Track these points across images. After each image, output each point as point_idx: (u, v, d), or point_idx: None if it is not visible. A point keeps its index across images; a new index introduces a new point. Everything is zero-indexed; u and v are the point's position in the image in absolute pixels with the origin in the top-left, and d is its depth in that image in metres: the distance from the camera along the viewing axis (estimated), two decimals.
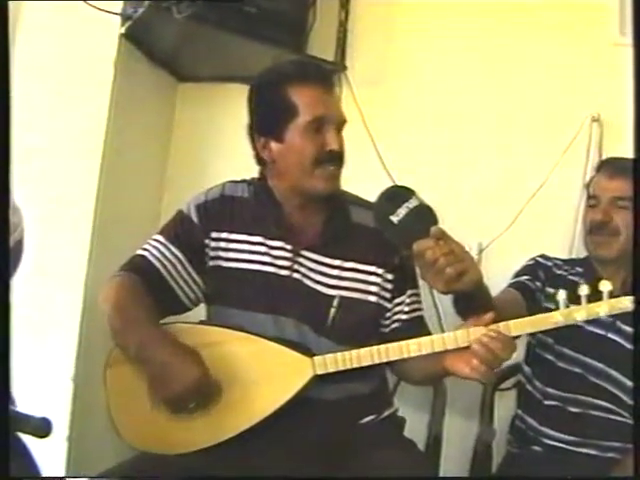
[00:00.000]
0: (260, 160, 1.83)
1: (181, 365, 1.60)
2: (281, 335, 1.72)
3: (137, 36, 2.47)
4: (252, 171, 2.51)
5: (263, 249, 1.78)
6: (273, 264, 1.77)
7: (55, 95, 2.43)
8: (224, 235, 1.80)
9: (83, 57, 2.43)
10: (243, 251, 1.79)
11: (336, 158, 1.75)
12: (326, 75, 1.83)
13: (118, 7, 2.38)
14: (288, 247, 1.78)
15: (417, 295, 1.86)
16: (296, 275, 1.77)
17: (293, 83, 1.74)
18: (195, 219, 1.82)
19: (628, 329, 2.00)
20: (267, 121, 1.78)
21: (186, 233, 1.81)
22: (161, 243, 1.81)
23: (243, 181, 1.89)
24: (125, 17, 2.39)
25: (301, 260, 1.78)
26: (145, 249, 1.82)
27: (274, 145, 1.76)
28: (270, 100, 1.76)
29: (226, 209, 1.82)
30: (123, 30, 2.41)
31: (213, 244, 1.80)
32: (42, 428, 1.29)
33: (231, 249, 1.80)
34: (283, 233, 1.79)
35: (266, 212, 1.81)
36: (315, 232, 1.80)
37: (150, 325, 1.67)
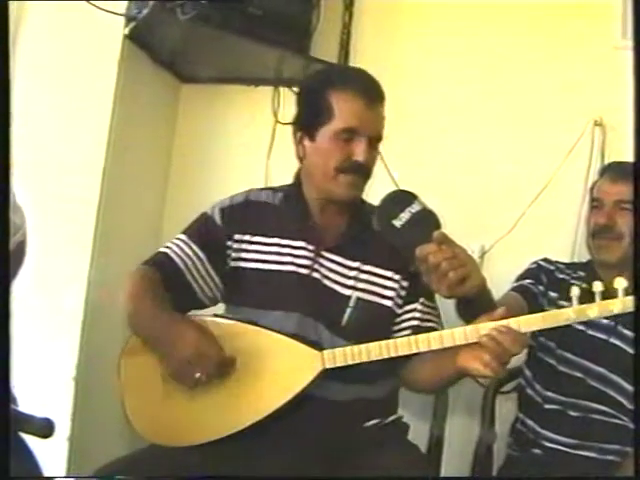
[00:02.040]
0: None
1: (180, 333, 1.63)
2: (297, 332, 1.73)
3: (141, 37, 2.48)
4: (254, 170, 2.53)
5: (285, 250, 1.81)
6: (294, 263, 1.80)
7: (58, 95, 2.44)
8: (246, 237, 1.83)
9: (87, 57, 2.43)
10: (264, 252, 1.82)
11: (361, 169, 1.76)
12: (374, 90, 1.79)
13: (122, 8, 2.39)
14: (310, 247, 1.80)
15: (432, 307, 1.85)
16: (315, 274, 1.79)
17: (337, 88, 1.75)
18: (218, 221, 1.85)
19: (630, 334, 2.00)
20: (305, 118, 1.81)
21: (209, 234, 1.85)
22: (184, 242, 1.84)
23: (268, 188, 1.93)
24: (129, 18, 2.39)
25: (321, 261, 1.80)
26: (168, 247, 1.85)
27: (307, 143, 1.79)
28: (312, 99, 1.79)
29: (250, 213, 1.86)
30: (127, 31, 2.42)
31: (235, 246, 1.83)
32: (44, 428, 1.29)
33: (253, 250, 1.82)
34: (306, 234, 1.81)
35: (293, 214, 1.83)
36: (337, 234, 1.82)
37: (162, 310, 1.70)
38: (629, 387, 2.00)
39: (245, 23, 2.41)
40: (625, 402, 2.01)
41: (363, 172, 1.77)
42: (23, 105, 2.20)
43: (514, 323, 1.58)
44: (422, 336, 1.64)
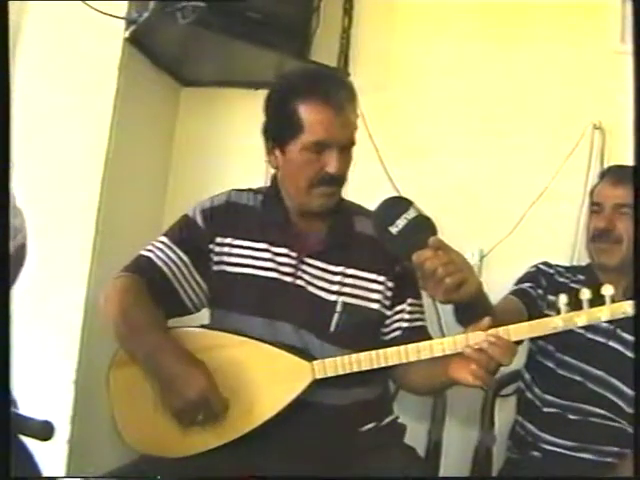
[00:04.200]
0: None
1: (188, 376, 1.60)
2: (284, 341, 1.72)
3: (141, 40, 2.48)
4: (254, 174, 2.53)
5: (267, 255, 1.79)
6: (277, 270, 1.78)
7: (59, 98, 2.44)
8: (228, 240, 1.81)
9: (87, 61, 2.43)
10: (247, 257, 1.79)
11: (334, 180, 1.74)
12: (343, 94, 1.74)
13: (123, 11, 2.39)
14: (292, 254, 1.79)
15: (419, 305, 1.86)
16: (299, 282, 1.77)
17: (305, 99, 1.70)
18: (200, 223, 1.82)
19: (629, 337, 2.00)
20: (275, 129, 1.77)
21: (191, 236, 1.82)
22: (166, 245, 1.81)
23: (249, 190, 1.89)
24: (129, 21, 2.39)
25: (304, 267, 1.78)
26: (150, 250, 1.82)
27: (278, 154, 1.77)
28: (281, 110, 1.75)
29: (231, 215, 1.83)
30: (127, 34, 2.42)
31: (217, 249, 1.81)
32: (44, 431, 1.30)
33: (235, 254, 1.80)
34: (288, 240, 1.79)
35: (273, 219, 1.82)
36: (319, 239, 1.81)
37: (157, 332, 1.67)
38: (628, 390, 2.00)
39: (245, 27, 2.41)
40: (624, 405, 2.01)
41: (336, 182, 1.75)
42: (24, 108, 2.21)
43: (503, 332, 1.58)
44: (412, 346, 1.63)
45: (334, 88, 1.74)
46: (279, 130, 1.75)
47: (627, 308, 1.53)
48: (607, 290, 1.54)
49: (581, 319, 1.56)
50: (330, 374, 1.66)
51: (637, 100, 1.34)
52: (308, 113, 1.70)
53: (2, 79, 1.22)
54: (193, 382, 1.59)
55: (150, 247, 1.83)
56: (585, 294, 1.55)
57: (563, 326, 1.58)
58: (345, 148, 1.74)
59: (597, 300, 1.56)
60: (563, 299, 1.57)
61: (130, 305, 1.72)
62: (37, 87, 2.38)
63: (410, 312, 1.83)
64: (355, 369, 1.66)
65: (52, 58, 2.46)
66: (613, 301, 1.55)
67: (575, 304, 1.57)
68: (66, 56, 2.44)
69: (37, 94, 2.37)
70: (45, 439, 1.30)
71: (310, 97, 1.70)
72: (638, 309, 1.45)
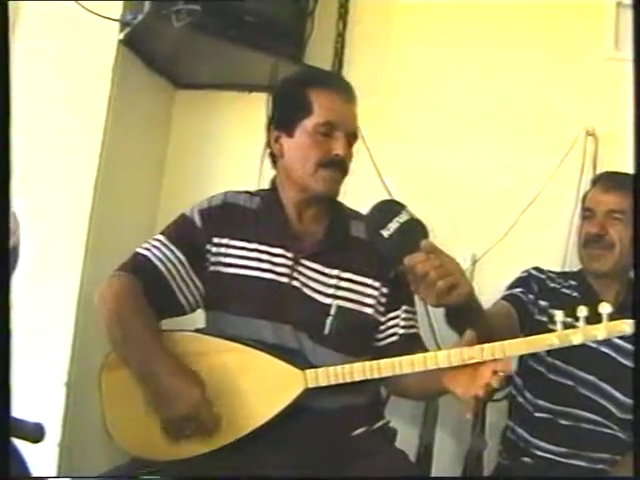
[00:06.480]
0: (273, 157, 1.87)
1: (181, 389, 1.59)
2: (279, 342, 1.73)
3: (135, 43, 2.47)
4: (249, 176, 2.53)
5: (264, 256, 1.79)
6: (273, 271, 1.78)
7: (52, 100, 2.43)
8: (225, 241, 1.81)
9: (81, 63, 2.42)
10: (243, 257, 1.80)
11: (340, 164, 1.78)
12: (350, 88, 1.84)
13: (117, 13, 2.39)
14: (289, 255, 1.79)
15: (413, 313, 1.86)
16: (295, 283, 1.78)
17: (316, 86, 1.80)
18: (198, 223, 1.82)
19: (620, 342, 2.01)
20: (283, 115, 1.83)
21: (189, 236, 1.82)
22: (163, 244, 1.81)
23: (245, 192, 1.90)
24: (124, 24, 2.39)
25: (300, 268, 1.79)
26: (147, 248, 1.81)
27: (285, 140, 1.81)
28: (290, 97, 1.82)
29: (228, 216, 1.84)
30: (121, 36, 2.41)
31: (214, 249, 1.81)
32: (35, 433, 1.30)
33: (231, 255, 1.80)
34: (285, 241, 1.80)
35: (270, 220, 1.82)
36: (316, 241, 1.81)
37: (151, 339, 1.66)
38: (619, 395, 2.01)
39: (240, 30, 2.41)
40: (615, 410, 2.02)
41: (342, 167, 1.79)
42: (17, 110, 2.20)
43: (499, 348, 1.55)
44: (406, 358, 1.62)
45: (343, 82, 1.87)
46: (288, 114, 1.81)
47: (625, 327, 1.49)
48: (604, 308, 1.50)
49: (577, 337, 1.53)
50: (322, 384, 1.66)
51: (637, 107, 1.34)
52: (318, 97, 1.78)
53: (2, 80, 1.22)
54: (186, 396, 1.59)
55: (147, 245, 1.82)
56: (582, 311, 1.51)
57: (559, 343, 1.54)
58: (350, 138, 1.80)
59: (594, 316, 1.52)
60: (560, 316, 1.53)
61: (125, 309, 1.71)
62: (30, 89, 2.38)
63: (405, 319, 1.83)
64: (348, 379, 1.64)
65: (45, 60, 2.45)
66: (611, 319, 1.51)
67: (570, 314, 1.55)
68: (60, 58, 2.43)
69: (30, 96, 2.37)
70: (36, 441, 1.30)
71: (319, 84, 1.81)
72: (638, 314, 1.43)
